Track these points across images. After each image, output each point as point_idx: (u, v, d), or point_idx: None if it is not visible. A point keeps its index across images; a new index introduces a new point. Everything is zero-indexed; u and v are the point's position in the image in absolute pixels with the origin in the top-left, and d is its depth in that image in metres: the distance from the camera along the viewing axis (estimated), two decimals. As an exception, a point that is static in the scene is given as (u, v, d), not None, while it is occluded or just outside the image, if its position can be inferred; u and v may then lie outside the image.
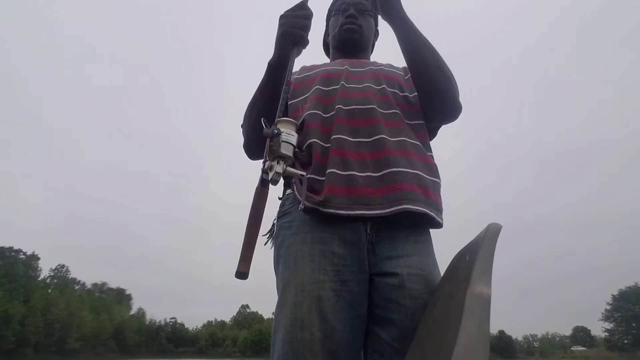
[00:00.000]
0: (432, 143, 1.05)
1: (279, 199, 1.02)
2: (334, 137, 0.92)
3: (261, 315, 79.63)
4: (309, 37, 1.00)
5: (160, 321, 75.76)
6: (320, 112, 0.99)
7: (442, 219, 0.93)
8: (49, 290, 52.32)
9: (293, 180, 0.92)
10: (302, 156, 0.93)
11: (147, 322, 73.07)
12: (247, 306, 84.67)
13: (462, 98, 1.02)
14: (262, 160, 0.79)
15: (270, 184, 0.76)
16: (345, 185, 0.86)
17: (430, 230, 0.96)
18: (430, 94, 1.01)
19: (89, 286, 68.30)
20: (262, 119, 0.80)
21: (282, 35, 0.98)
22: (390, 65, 1.19)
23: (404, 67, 1.13)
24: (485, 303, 0.59)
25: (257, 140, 0.96)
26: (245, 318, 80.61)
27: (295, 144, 0.78)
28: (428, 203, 0.88)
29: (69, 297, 51.46)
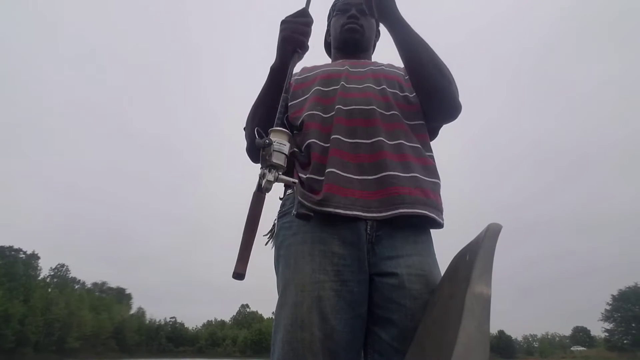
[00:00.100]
0: (433, 143, 1.05)
1: (280, 199, 1.02)
2: (333, 137, 0.93)
3: (261, 315, 79.66)
4: (309, 44, 1.01)
5: (160, 321, 75.93)
6: (319, 113, 0.99)
7: (442, 219, 0.93)
8: (49, 290, 52.32)
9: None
10: (302, 156, 0.94)
11: (147, 322, 73.11)
12: (247, 306, 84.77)
13: (462, 98, 1.02)
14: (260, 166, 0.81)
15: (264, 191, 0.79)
16: (344, 186, 0.87)
17: (431, 230, 0.96)
18: (429, 94, 1.01)
19: (89, 285, 68.49)
20: (256, 128, 0.82)
21: (283, 40, 0.99)
22: (391, 65, 1.19)
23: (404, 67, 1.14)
24: (485, 303, 0.59)
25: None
26: (245, 318, 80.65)
27: (287, 153, 0.80)
28: (427, 204, 0.88)
29: (68, 297, 51.45)
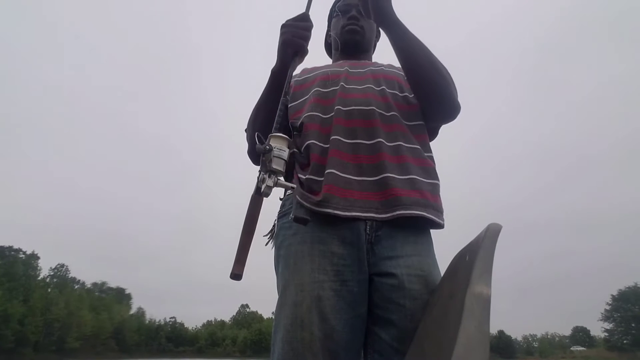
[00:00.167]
0: (432, 143, 1.05)
1: (280, 199, 1.03)
2: (332, 138, 0.93)
3: (261, 314, 79.71)
4: (308, 48, 1.02)
5: (159, 320, 76.02)
6: (319, 114, 1.00)
7: (442, 220, 0.93)
8: (49, 290, 52.35)
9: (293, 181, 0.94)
10: (301, 157, 0.94)
11: (147, 322, 73.16)
12: (247, 306, 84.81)
13: (462, 98, 1.02)
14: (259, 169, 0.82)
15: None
16: (343, 187, 0.87)
17: (431, 230, 0.96)
18: (427, 95, 1.01)
19: (89, 285, 68.37)
20: (256, 133, 0.83)
21: (283, 43, 1.00)
22: (391, 66, 1.19)
23: None
24: (485, 303, 0.59)
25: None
26: (245, 318, 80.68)
27: (286, 159, 0.81)
28: (426, 205, 0.89)
29: (68, 297, 51.45)
